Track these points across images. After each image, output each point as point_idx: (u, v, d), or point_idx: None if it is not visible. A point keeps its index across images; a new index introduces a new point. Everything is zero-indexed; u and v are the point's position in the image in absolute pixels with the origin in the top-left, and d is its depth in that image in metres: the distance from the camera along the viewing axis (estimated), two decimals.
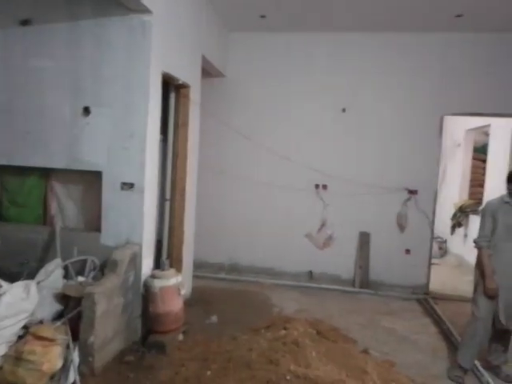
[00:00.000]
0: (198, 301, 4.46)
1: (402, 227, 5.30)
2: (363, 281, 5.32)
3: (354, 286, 5.34)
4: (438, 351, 3.65)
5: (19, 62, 3.41)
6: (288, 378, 2.17)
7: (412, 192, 5.22)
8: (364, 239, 5.36)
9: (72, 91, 3.35)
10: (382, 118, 5.23)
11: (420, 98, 5.13)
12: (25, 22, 3.34)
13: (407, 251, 5.31)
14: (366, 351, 3.41)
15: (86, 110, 3.32)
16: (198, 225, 5.01)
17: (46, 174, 3.61)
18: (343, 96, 5.28)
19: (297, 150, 5.32)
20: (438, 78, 5.07)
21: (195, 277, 4.98)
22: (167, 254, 4.24)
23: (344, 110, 5.29)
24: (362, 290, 5.25)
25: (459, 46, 5.00)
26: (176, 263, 4.24)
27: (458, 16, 4.38)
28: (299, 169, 5.25)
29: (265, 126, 5.41)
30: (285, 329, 3.14)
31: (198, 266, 5.34)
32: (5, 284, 2.85)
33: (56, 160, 3.41)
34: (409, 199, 5.24)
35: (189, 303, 4.29)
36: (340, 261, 5.38)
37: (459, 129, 7.25)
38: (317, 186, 5.38)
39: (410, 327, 4.15)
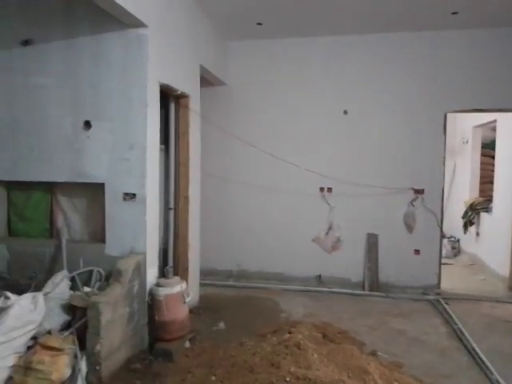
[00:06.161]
0: (205, 308, 4.47)
1: (409, 227, 5.24)
2: (373, 283, 5.27)
3: (363, 288, 5.29)
4: (447, 351, 3.59)
5: (21, 80, 3.53)
6: (288, 379, 2.17)
7: (418, 191, 5.17)
8: (372, 241, 5.32)
9: (72, 106, 3.45)
10: (383, 118, 5.22)
11: (421, 96, 5.11)
12: (25, 42, 3.47)
13: (416, 251, 5.24)
14: (373, 353, 3.37)
15: (87, 124, 3.41)
16: (205, 233, 5.06)
17: (51, 188, 3.70)
18: (344, 98, 5.29)
19: (300, 154, 5.33)
20: (439, 76, 5.05)
21: (204, 285, 5.02)
22: (173, 262, 4.29)
23: (346, 112, 5.30)
24: (371, 292, 5.19)
25: (457, 43, 4.99)
26: (182, 271, 4.28)
27: (454, 13, 4.37)
28: (303, 173, 5.25)
29: (267, 132, 5.45)
30: (290, 333, 3.14)
31: (207, 273, 5.37)
32: (13, 296, 2.92)
33: (59, 174, 3.50)
34: (415, 199, 5.19)
35: (196, 311, 4.32)
36: (349, 264, 5.34)
37: (467, 126, 7.17)
38: (321, 189, 5.37)
39: (420, 328, 4.09)
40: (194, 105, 4.38)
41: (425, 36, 5.04)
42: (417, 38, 5.07)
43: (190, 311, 3.75)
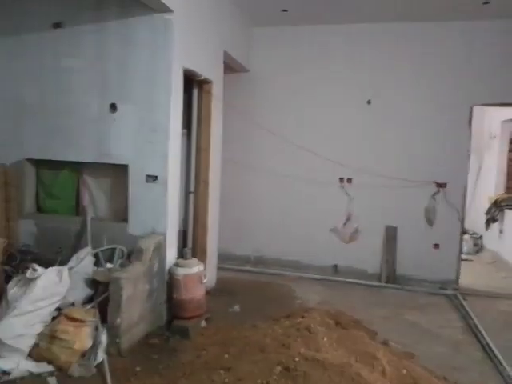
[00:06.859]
0: (222, 291, 4.58)
1: (430, 221, 5.17)
2: (390, 275, 5.25)
3: (380, 280, 5.28)
4: (460, 345, 3.58)
5: (51, 63, 3.67)
6: (297, 359, 2.24)
7: (441, 185, 5.09)
8: (390, 233, 5.29)
9: (99, 89, 3.57)
10: (408, 109, 5.13)
11: (448, 88, 4.99)
12: (57, 25, 3.59)
13: (436, 246, 5.18)
14: (385, 342, 3.39)
15: (113, 107, 3.53)
16: (226, 218, 5.15)
17: (78, 167, 3.86)
18: (368, 88, 5.22)
19: (321, 144, 5.32)
20: (466, 68, 4.92)
21: (222, 269, 5.12)
22: (192, 244, 4.40)
23: (369, 102, 5.23)
24: (388, 284, 5.18)
25: (486, 34, 4.84)
26: (200, 253, 4.38)
27: (485, 3, 4.25)
28: (324, 162, 5.25)
29: (289, 120, 5.45)
30: (302, 317, 3.20)
31: (225, 258, 5.48)
32: (40, 269, 3.08)
33: (86, 154, 3.65)
34: (437, 192, 5.11)
35: (213, 293, 4.43)
36: (366, 255, 5.34)
37: (496, 120, 6.96)
38: (341, 180, 5.36)
39: (435, 321, 4.07)
40: (217, 91, 4.43)
41: (454, 26, 4.90)
42: (446, 28, 4.93)
43: (207, 293, 3.86)
